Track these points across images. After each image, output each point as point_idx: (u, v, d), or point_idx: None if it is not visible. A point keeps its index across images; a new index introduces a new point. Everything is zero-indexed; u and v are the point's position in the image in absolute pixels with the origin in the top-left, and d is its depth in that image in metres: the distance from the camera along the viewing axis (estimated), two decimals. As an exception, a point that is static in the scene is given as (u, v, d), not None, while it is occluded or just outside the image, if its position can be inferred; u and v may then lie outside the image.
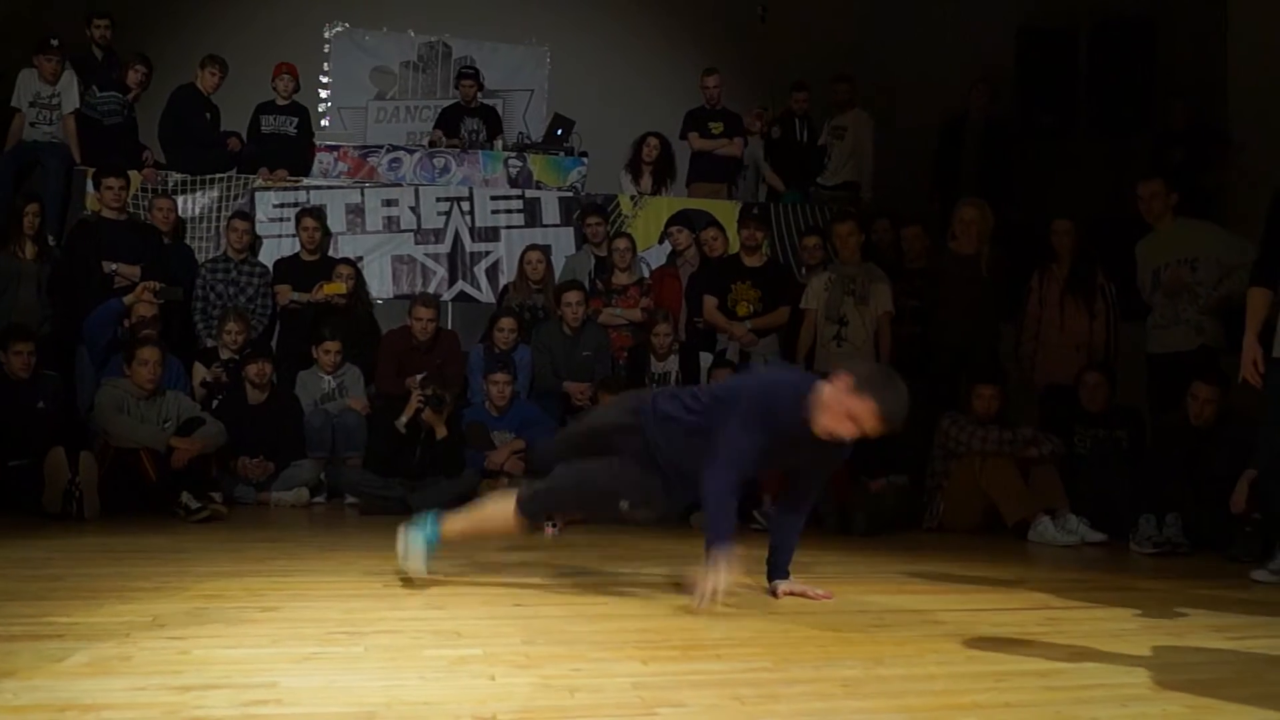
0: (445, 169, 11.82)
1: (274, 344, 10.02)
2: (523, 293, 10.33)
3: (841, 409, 4.56)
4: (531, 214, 11.56)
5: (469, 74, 12.76)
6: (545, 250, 10.64)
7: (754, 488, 8.17)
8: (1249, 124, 10.09)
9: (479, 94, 12.78)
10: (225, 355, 9.41)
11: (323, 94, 13.78)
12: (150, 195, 10.53)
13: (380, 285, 11.17)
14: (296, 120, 11.54)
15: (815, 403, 4.64)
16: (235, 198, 11.05)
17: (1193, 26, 11.68)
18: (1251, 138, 9.97)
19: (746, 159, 12.33)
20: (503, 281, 11.18)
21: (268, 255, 10.66)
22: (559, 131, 12.42)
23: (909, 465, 8.61)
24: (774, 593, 5.04)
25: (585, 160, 12.17)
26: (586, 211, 11.06)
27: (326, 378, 9.56)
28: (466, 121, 12.44)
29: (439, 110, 13.23)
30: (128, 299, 9.08)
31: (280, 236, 10.93)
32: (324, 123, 13.58)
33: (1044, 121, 12.54)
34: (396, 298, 11.14)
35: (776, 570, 5.14)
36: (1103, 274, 8.99)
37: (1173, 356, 8.28)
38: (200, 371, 9.37)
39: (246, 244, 10.19)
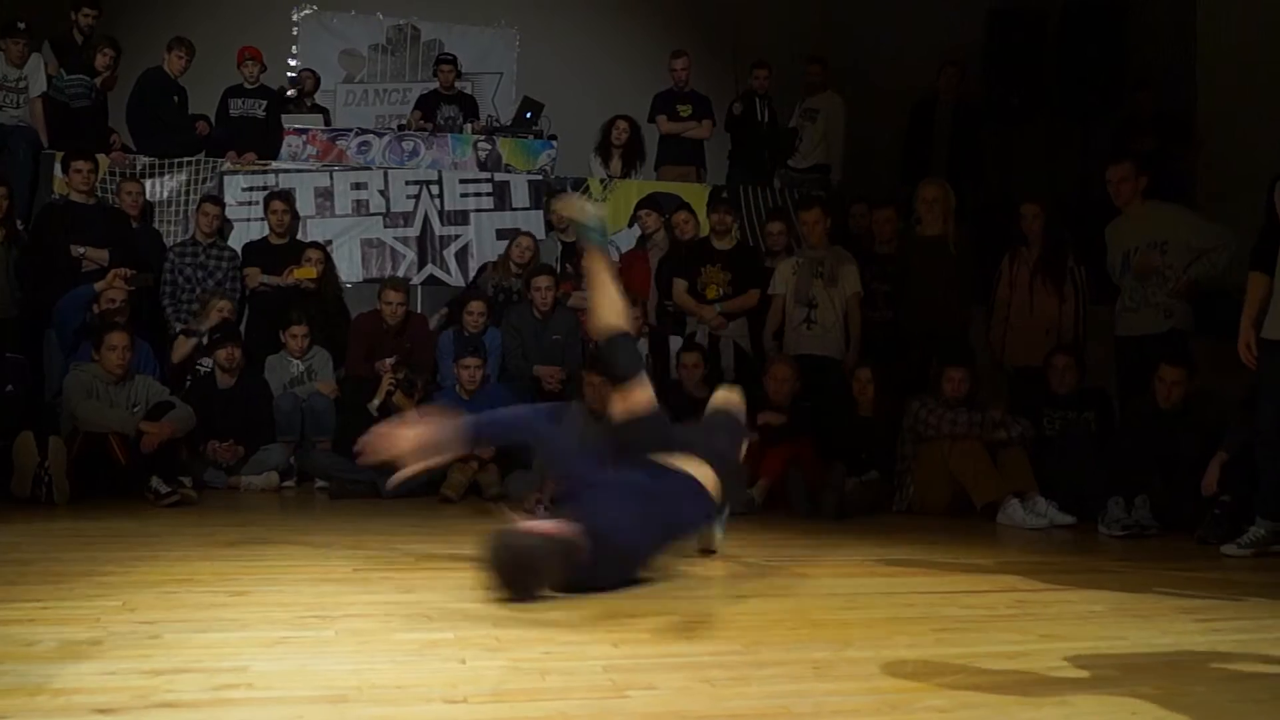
0: (414, 152, 11.79)
1: (243, 328, 9.98)
2: (502, 273, 10.30)
3: None
4: (501, 197, 11.54)
5: (448, 59, 12.75)
6: (534, 239, 10.58)
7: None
8: (1217, 110, 10.13)
9: (456, 80, 12.78)
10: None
11: (291, 77, 13.72)
12: (118, 179, 10.48)
13: (349, 269, 11.14)
14: (265, 103, 11.50)
15: None
16: (203, 181, 11.00)
17: (1163, 12, 11.71)
18: (1219, 124, 10.00)
19: None
20: (472, 264, 11.17)
21: (236, 239, 10.61)
22: (528, 114, 12.41)
23: (881, 460, 8.64)
24: None
25: (555, 143, 12.16)
26: (552, 197, 11.03)
27: (295, 361, 9.53)
28: (444, 108, 12.42)
29: (410, 94, 13.28)
30: (98, 285, 9.04)
31: (249, 220, 10.88)
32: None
33: (1011, 104, 12.56)
34: (366, 281, 11.11)
35: None
36: (1073, 257, 9.01)
37: (1141, 339, 8.30)
38: (184, 344, 9.36)
39: (216, 228, 10.15)
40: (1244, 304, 6.59)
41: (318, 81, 12.97)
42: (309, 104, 12.64)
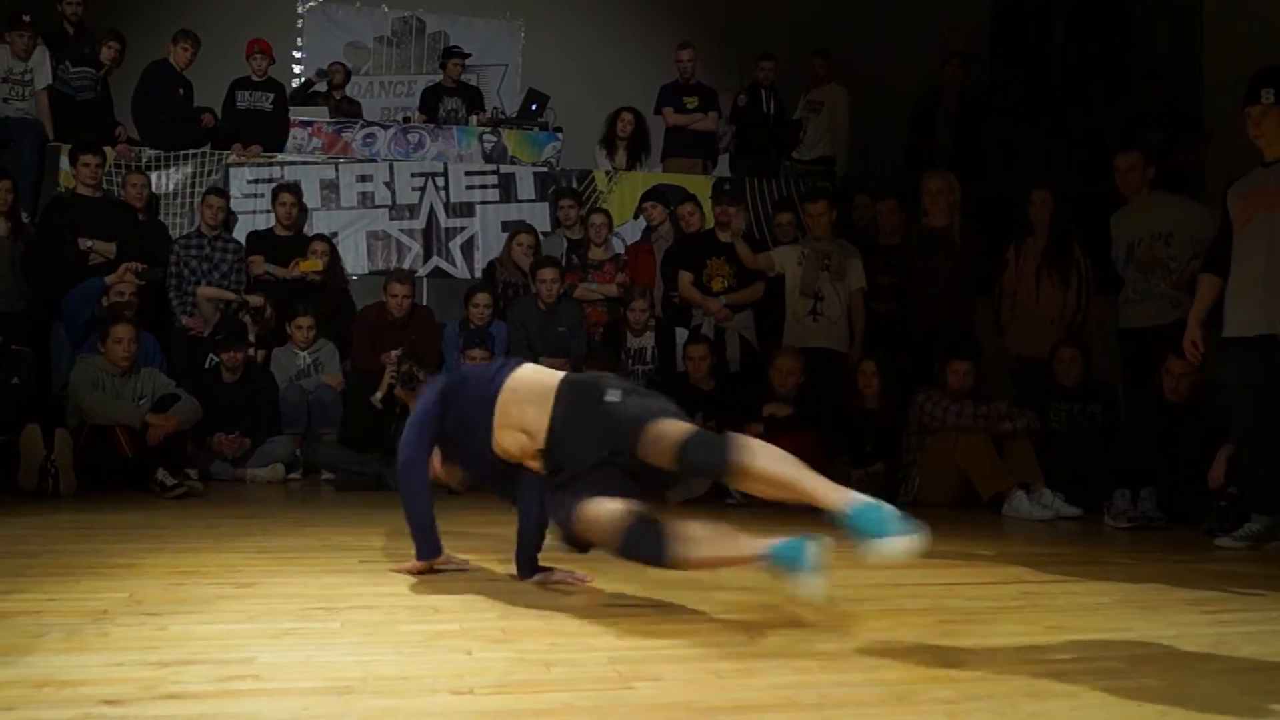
0: (420, 144, 11.79)
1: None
2: (509, 269, 10.30)
3: None
4: (506, 189, 11.53)
5: (458, 54, 12.73)
6: (535, 234, 10.57)
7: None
8: (1224, 102, 10.09)
9: (462, 73, 12.78)
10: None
11: (296, 69, 13.72)
12: (124, 171, 10.49)
13: (355, 261, 11.14)
14: (272, 96, 11.49)
15: None
16: (209, 174, 10.99)
17: (1169, 3, 11.68)
18: (1226, 117, 9.97)
19: None
20: (477, 256, 11.18)
21: (242, 232, 10.60)
22: (533, 107, 12.40)
23: (888, 452, 8.65)
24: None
25: (560, 135, 12.14)
26: (560, 194, 11.00)
27: (302, 354, 9.55)
28: (445, 101, 12.40)
29: (415, 86, 13.31)
30: (109, 279, 9.05)
31: (254, 213, 10.88)
32: (298, 98, 13.51)
33: (1017, 96, 12.54)
34: (371, 273, 11.10)
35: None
36: (1079, 248, 8.99)
37: (1146, 331, 8.29)
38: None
39: (220, 220, 10.16)
40: (1193, 304, 6.76)
41: (348, 75, 12.96)
42: (338, 97, 12.64)
